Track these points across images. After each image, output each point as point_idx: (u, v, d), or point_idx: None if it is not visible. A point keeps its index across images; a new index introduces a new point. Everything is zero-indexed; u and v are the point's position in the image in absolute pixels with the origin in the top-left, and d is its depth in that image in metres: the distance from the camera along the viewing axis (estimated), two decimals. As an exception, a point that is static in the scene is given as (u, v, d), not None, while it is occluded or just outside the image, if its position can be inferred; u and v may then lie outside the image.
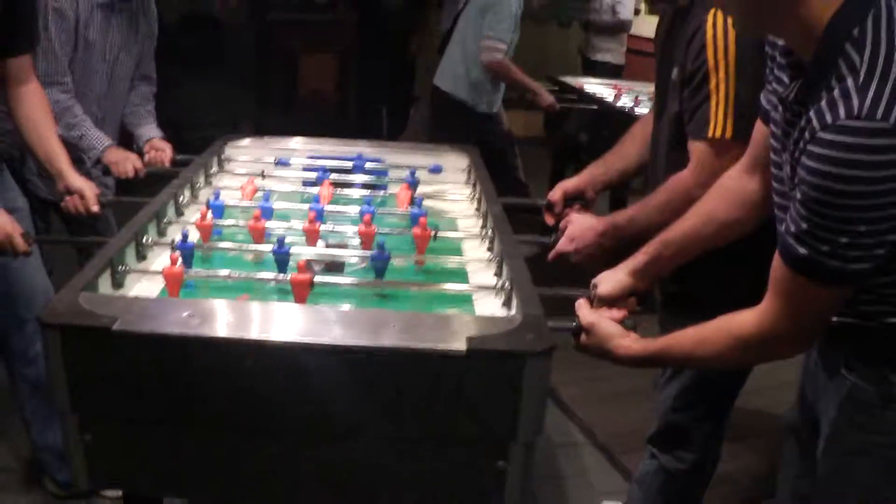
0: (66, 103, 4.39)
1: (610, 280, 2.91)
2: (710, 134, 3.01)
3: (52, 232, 4.81)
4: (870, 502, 2.38)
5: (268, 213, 3.51)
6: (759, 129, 2.62)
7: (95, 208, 3.94)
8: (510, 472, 2.43)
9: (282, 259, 3.06)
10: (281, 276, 3.00)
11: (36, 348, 3.90)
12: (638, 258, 2.92)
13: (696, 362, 2.62)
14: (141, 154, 4.76)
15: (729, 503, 4.50)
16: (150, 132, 4.91)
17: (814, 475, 2.55)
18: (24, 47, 3.85)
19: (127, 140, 4.93)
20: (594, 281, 2.93)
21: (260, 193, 3.84)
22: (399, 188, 4.00)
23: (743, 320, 2.32)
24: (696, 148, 3.08)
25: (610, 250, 3.34)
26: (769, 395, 4.99)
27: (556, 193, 3.89)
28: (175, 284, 2.90)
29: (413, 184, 4.11)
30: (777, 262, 2.19)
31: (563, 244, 3.44)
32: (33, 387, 4.03)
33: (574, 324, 2.71)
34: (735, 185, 2.76)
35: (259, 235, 3.33)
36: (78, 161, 4.28)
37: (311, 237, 3.33)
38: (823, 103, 1.99)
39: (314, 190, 3.98)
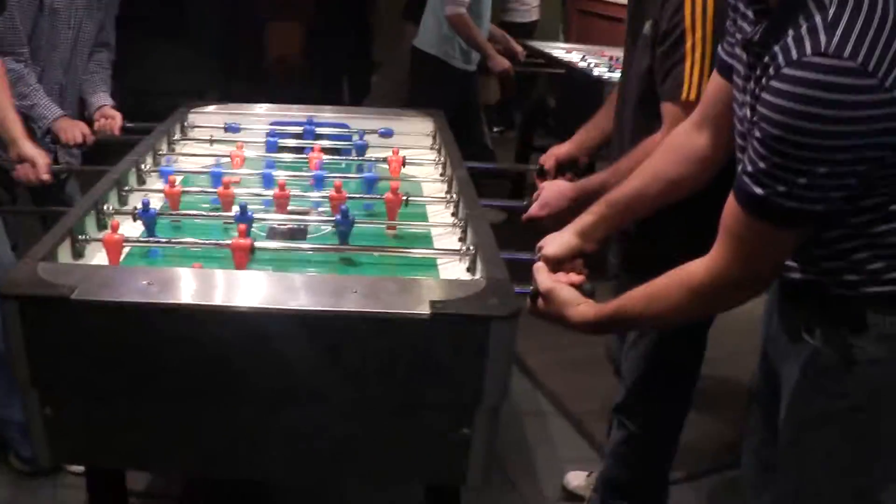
0: (19, 73, 4.33)
1: (556, 241, 2.87)
2: (683, 96, 2.98)
3: (18, 204, 4.76)
4: (833, 467, 2.36)
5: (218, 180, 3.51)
6: (713, 82, 2.59)
7: (46, 177, 3.91)
8: (475, 438, 2.43)
9: (245, 226, 3.02)
10: (223, 241, 2.96)
11: None
12: (584, 218, 2.89)
13: (650, 320, 2.57)
14: (91, 122, 4.73)
15: (695, 471, 4.49)
16: (101, 100, 4.86)
17: (777, 442, 2.54)
18: None
19: (84, 107, 4.89)
20: (540, 243, 2.90)
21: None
22: (388, 153, 3.97)
23: (694, 269, 2.29)
24: (669, 109, 3.05)
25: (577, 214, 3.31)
26: (735, 363, 4.98)
27: (548, 160, 3.88)
28: (114, 252, 2.87)
29: (361, 147, 4.11)
30: (730, 204, 2.15)
31: (534, 209, 3.41)
32: (-5, 361, 3.99)
33: (531, 288, 2.68)
34: (682, 142, 2.72)
35: (228, 203, 3.31)
36: (30, 133, 4.24)
37: (281, 204, 3.30)
38: (790, 39, 1.95)
39: (278, 156, 3.98)
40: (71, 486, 4.06)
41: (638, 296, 2.44)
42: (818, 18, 1.92)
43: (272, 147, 4.11)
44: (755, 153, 2.03)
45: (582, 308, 2.55)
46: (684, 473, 4.38)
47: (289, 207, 3.33)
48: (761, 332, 2.70)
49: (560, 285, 2.63)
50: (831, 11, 1.91)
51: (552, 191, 3.42)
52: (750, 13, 2.19)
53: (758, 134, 2.01)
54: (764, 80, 2.02)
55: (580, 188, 3.37)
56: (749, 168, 2.05)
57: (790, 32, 1.96)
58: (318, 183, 3.55)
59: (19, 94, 4.30)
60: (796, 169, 1.96)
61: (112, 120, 4.73)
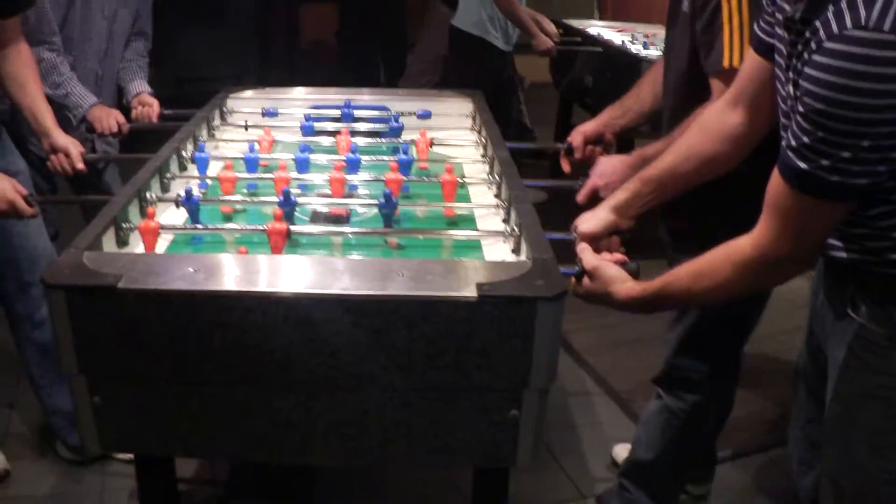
0: (52, 61, 4.34)
1: (591, 218, 2.88)
2: (725, 63, 2.96)
3: (58, 192, 4.77)
4: (878, 445, 2.34)
5: (303, 166, 3.54)
6: (748, 60, 2.58)
7: (80, 165, 3.94)
8: (523, 419, 2.43)
9: (288, 211, 3.03)
10: (256, 227, 2.95)
11: (42, 312, 3.87)
12: (619, 195, 2.90)
13: (697, 297, 2.56)
14: (129, 109, 4.74)
15: (742, 448, 4.48)
16: (138, 87, 4.87)
17: (823, 421, 2.52)
18: (21, 6, 3.81)
19: (122, 96, 4.90)
20: (575, 222, 2.89)
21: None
22: (417, 136, 3.96)
23: (740, 245, 2.29)
24: (716, 82, 3.03)
25: None
26: (782, 341, 4.98)
27: (576, 137, 3.86)
28: (151, 240, 2.88)
29: (397, 129, 4.11)
30: (775, 179, 2.15)
31: (593, 181, 3.39)
32: (42, 351, 4.00)
33: (577, 268, 2.67)
34: (716, 120, 2.72)
35: (280, 188, 3.29)
36: (65, 121, 4.24)
37: (336, 188, 3.30)
38: (830, 14, 1.94)
39: (315, 139, 3.99)
40: (118, 473, 4.10)
41: (684, 272, 2.44)
42: None
43: (308, 131, 4.11)
44: (799, 128, 2.02)
45: (628, 285, 2.55)
46: (730, 452, 4.38)
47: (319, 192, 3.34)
48: (808, 310, 2.69)
49: (606, 263, 2.63)
50: None
51: (608, 161, 3.41)
52: None
53: (801, 108, 2.01)
54: (806, 55, 2.02)
55: (638, 154, 3.35)
56: (793, 143, 2.05)
57: (830, 7, 1.95)
58: (352, 166, 3.53)
59: (53, 84, 4.32)
60: (839, 143, 1.95)
61: (149, 107, 4.75)
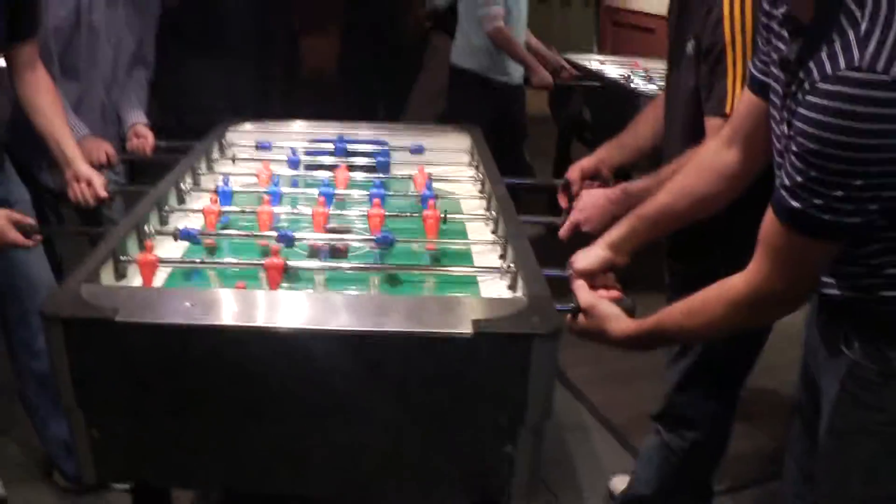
0: None
1: (587, 255, 2.89)
2: (728, 110, 2.99)
3: (66, 223, 4.78)
4: (871, 480, 2.36)
5: (276, 199, 3.54)
6: (742, 100, 2.61)
7: (104, 194, 3.91)
8: (518, 456, 2.43)
9: (287, 245, 3.06)
10: (256, 261, 2.96)
11: (41, 342, 3.85)
12: (613, 232, 2.92)
13: (690, 334, 2.59)
14: (123, 140, 4.75)
15: (738, 481, 4.49)
16: (134, 117, 4.82)
17: (817, 455, 2.54)
18: (32, 31, 3.84)
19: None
20: (571, 258, 2.91)
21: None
22: (415, 171, 3.97)
23: (732, 284, 2.31)
24: (713, 124, 3.05)
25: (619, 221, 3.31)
26: (779, 375, 4.97)
27: (573, 173, 3.86)
28: (149, 273, 2.89)
29: (385, 164, 4.13)
30: (768, 218, 2.17)
31: (574, 215, 3.40)
32: (39, 381, 4.01)
33: (572, 305, 2.68)
34: (711, 159, 2.74)
35: (265, 222, 3.32)
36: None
37: (318, 222, 3.30)
38: (824, 55, 1.97)
39: (322, 174, 3.99)
40: (115, 503, 4.08)
41: (677, 310, 2.46)
42: (851, 34, 1.94)
43: (294, 165, 4.13)
44: (792, 167, 2.04)
45: (623, 323, 2.57)
46: (726, 485, 4.38)
47: (329, 226, 3.34)
48: (802, 345, 2.70)
49: (601, 300, 2.65)
50: (863, 27, 1.93)
51: (589, 198, 3.42)
52: (785, 33, 2.21)
53: (794, 148, 2.03)
54: (800, 96, 2.05)
55: (621, 188, 3.37)
56: (786, 182, 2.07)
57: (824, 48, 1.98)
58: (329, 200, 3.54)
59: None
60: (832, 182, 1.98)
61: (144, 139, 4.73)
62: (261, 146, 4.36)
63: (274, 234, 3.14)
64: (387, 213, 3.37)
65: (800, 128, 2.00)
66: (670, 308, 2.49)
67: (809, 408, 2.64)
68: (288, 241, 3.06)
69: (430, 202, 3.36)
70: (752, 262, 2.25)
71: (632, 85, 6.82)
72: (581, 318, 2.65)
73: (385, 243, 3.06)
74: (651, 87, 6.52)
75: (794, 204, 2.05)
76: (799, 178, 2.02)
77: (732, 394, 3.56)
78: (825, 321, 2.46)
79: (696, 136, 3.15)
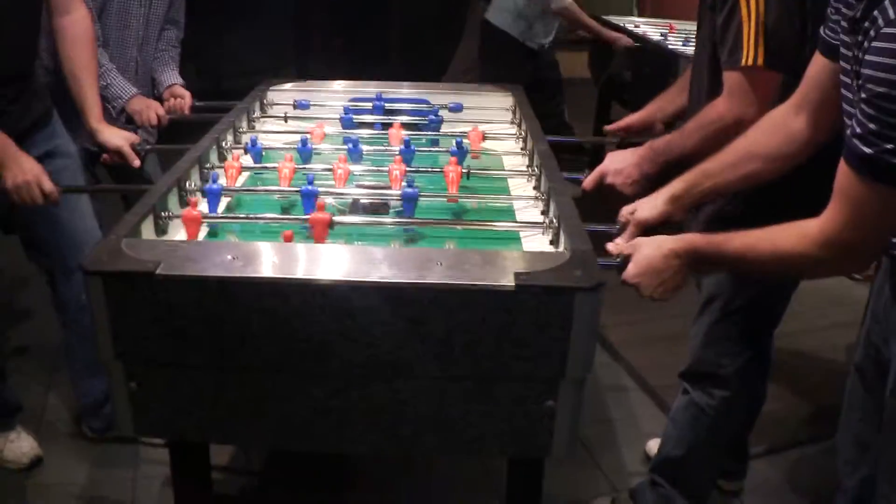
0: None
1: (648, 205, 2.88)
2: (742, 62, 2.99)
3: (101, 183, 4.79)
4: None
5: (307, 157, 3.54)
6: (814, 64, 2.57)
7: (136, 163, 3.94)
8: (560, 410, 2.42)
9: (309, 200, 3.06)
10: (302, 216, 2.96)
11: (85, 298, 3.90)
12: (675, 185, 2.89)
13: (748, 264, 2.44)
14: (161, 100, 4.76)
15: (776, 444, 4.47)
16: (170, 78, 4.87)
17: (877, 418, 2.51)
18: None
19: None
20: (626, 210, 2.89)
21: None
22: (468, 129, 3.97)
23: (806, 226, 2.26)
24: (729, 76, 3.06)
25: (649, 176, 3.31)
26: (818, 337, 4.95)
27: (620, 125, 3.93)
28: (193, 228, 2.90)
29: (437, 122, 4.12)
30: (841, 167, 2.14)
31: (601, 167, 3.41)
32: (82, 335, 4.05)
33: (618, 259, 2.65)
34: (781, 122, 2.70)
35: (288, 179, 3.33)
36: (106, 113, 4.26)
37: (340, 178, 3.30)
38: (887, 2, 1.96)
39: (358, 132, 3.97)
40: (152, 460, 4.13)
41: (740, 236, 2.43)
42: None
43: (348, 123, 4.10)
44: (863, 115, 2.03)
45: (670, 241, 2.55)
46: (763, 447, 4.37)
47: (370, 182, 3.34)
48: (869, 310, 2.68)
49: (640, 238, 2.64)
50: None
51: (619, 155, 3.42)
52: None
53: (864, 95, 2.02)
54: (867, 44, 2.03)
55: (647, 145, 3.37)
56: (858, 130, 2.05)
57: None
58: (407, 159, 3.52)
59: None
60: None
61: (181, 99, 4.77)
62: (299, 105, 4.35)
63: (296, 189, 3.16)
64: (407, 170, 3.37)
65: (868, 74, 2.00)
66: (732, 233, 2.45)
67: (873, 373, 2.62)
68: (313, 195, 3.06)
69: (452, 159, 3.36)
70: (827, 210, 2.22)
71: (670, 46, 6.79)
72: (630, 266, 2.62)
73: (410, 197, 3.05)
74: (689, 49, 6.48)
75: (866, 150, 2.03)
76: (870, 125, 2.01)
77: (759, 349, 3.53)
78: (895, 284, 2.44)
79: (716, 79, 3.16)
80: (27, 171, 3.37)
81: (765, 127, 2.75)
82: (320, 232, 2.82)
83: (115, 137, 3.89)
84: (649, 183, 3.31)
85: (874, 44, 1.98)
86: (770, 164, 2.73)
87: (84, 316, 3.86)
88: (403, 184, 3.14)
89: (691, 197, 2.87)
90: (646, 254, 2.55)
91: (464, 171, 3.30)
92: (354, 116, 4.16)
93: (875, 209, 2.12)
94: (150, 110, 4.53)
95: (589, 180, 3.41)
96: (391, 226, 3.03)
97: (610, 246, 2.70)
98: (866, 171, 2.06)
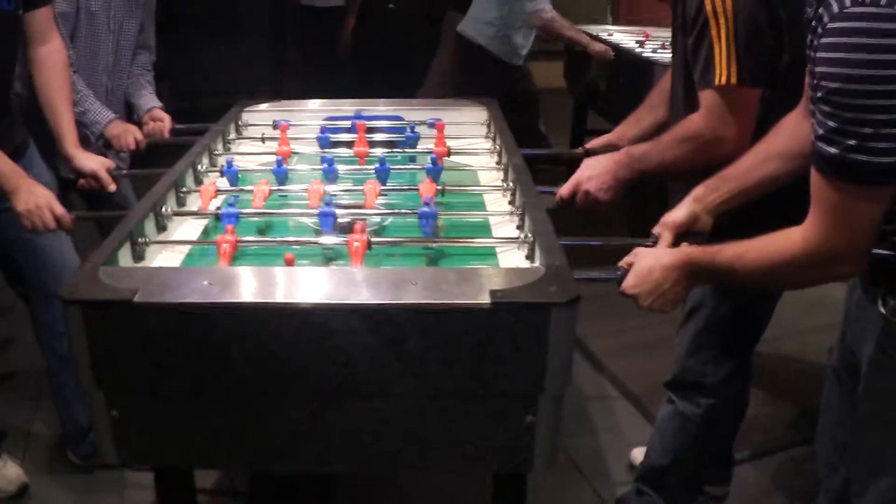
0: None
1: (675, 210, 2.89)
2: (717, 82, 3.00)
3: (74, 209, 4.79)
4: None
5: (282, 178, 3.54)
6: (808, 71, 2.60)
7: (112, 188, 3.96)
8: (539, 425, 2.43)
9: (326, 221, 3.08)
10: (336, 239, 2.98)
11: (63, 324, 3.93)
12: (699, 190, 2.91)
13: (740, 276, 2.44)
14: (140, 125, 4.76)
15: (760, 448, 4.49)
16: (148, 102, 4.87)
17: (853, 422, 2.53)
18: None
19: (130, 110, 4.90)
20: (661, 226, 2.90)
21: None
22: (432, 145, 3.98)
23: (790, 236, 2.28)
24: (704, 96, 3.08)
25: (625, 183, 3.34)
26: (800, 340, 4.98)
27: (592, 144, 3.91)
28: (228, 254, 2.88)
29: (413, 139, 4.11)
30: (812, 172, 2.17)
31: (578, 175, 3.44)
32: (62, 362, 4.07)
33: (619, 272, 2.68)
34: (794, 123, 2.71)
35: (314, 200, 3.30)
36: (83, 139, 4.26)
37: (314, 199, 3.29)
38: None
39: (334, 151, 4.00)
40: (137, 485, 4.14)
41: (732, 247, 2.45)
42: None
43: (325, 143, 4.10)
44: (822, 114, 2.06)
45: (668, 254, 2.60)
46: (748, 452, 4.39)
47: (347, 202, 3.34)
48: (842, 310, 2.69)
49: (639, 248, 2.69)
50: None
51: (596, 161, 3.44)
52: None
53: (819, 94, 2.05)
54: (815, 42, 2.07)
55: (625, 152, 3.39)
56: (819, 131, 2.08)
57: None
58: (382, 178, 3.54)
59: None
60: (859, 119, 1.98)
61: (161, 123, 4.75)
62: (278, 124, 4.35)
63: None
64: (382, 188, 3.40)
65: (820, 72, 2.03)
66: (725, 244, 2.48)
67: (847, 375, 2.64)
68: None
69: (428, 179, 3.40)
70: (808, 217, 2.24)
71: (644, 54, 6.81)
72: (629, 276, 2.64)
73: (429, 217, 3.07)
74: (664, 56, 6.50)
75: (831, 150, 2.05)
76: (829, 122, 2.03)
77: (744, 357, 3.56)
78: (866, 284, 2.45)
79: (692, 104, 3.17)
80: (39, 196, 3.41)
81: (780, 130, 2.76)
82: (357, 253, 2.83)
83: (91, 162, 3.90)
84: (624, 189, 3.34)
85: (822, 40, 2.02)
86: (788, 163, 2.72)
87: (63, 344, 3.89)
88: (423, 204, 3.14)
89: (713, 200, 2.88)
90: (644, 265, 2.59)
91: (438, 188, 3.32)
92: (331, 136, 4.16)
93: (850, 210, 2.13)
94: (129, 134, 4.53)
95: (565, 188, 3.43)
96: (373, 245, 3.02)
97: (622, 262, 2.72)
98: (833, 172, 2.08)
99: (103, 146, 4.52)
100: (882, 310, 2.32)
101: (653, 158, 3.23)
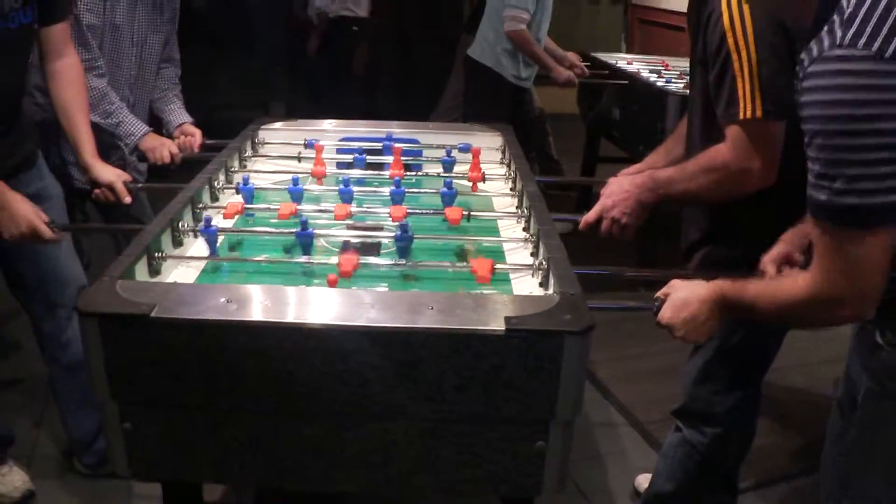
0: (102, 90, 4.36)
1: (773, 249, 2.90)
2: (741, 116, 2.99)
3: (90, 221, 4.80)
4: (891, 474, 2.37)
5: (297, 197, 3.56)
6: None
7: (128, 200, 3.94)
8: (549, 451, 2.45)
9: (304, 242, 3.11)
10: (324, 259, 3.01)
11: (68, 334, 3.97)
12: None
13: (761, 313, 2.48)
14: (171, 139, 4.75)
15: (765, 478, 4.49)
16: (179, 117, 4.88)
17: (843, 442, 2.55)
18: (61, 14, 3.82)
19: (155, 124, 4.87)
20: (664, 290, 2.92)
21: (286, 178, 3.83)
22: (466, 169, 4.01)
23: (798, 282, 2.28)
24: (730, 129, 3.06)
25: (647, 206, 3.33)
26: (808, 372, 4.98)
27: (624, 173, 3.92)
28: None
29: (450, 163, 4.12)
30: (810, 223, 2.17)
31: (601, 200, 3.40)
32: (66, 371, 4.08)
33: (656, 303, 2.68)
34: None
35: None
36: (113, 147, 4.28)
37: (340, 219, 3.34)
38: (812, 44, 2.02)
39: (349, 172, 4.02)
40: (144, 496, 4.12)
41: (753, 285, 2.45)
42: (836, 21, 1.99)
43: (360, 163, 4.15)
44: (809, 160, 2.07)
45: (703, 288, 2.57)
46: (753, 482, 4.38)
47: (362, 223, 3.37)
48: (840, 344, 2.71)
49: (674, 281, 2.68)
50: (847, 12, 1.98)
51: (616, 184, 3.41)
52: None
53: (806, 139, 2.06)
54: (798, 86, 2.08)
55: (648, 174, 3.37)
56: (811, 179, 2.08)
57: (816, 39, 2.03)
58: (397, 199, 3.57)
59: (104, 112, 4.37)
60: (844, 160, 1.99)
61: (192, 138, 4.76)
62: (309, 144, 4.37)
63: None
64: (409, 211, 3.42)
65: (804, 115, 2.04)
66: (752, 280, 2.49)
67: (848, 409, 2.65)
68: (306, 239, 3.13)
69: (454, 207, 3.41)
70: (812, 263, 2.24)
71: (658, 83, 6.82)
72: (665, 308, 2.65)
73: (403, 240, 3.10)
74: (678, 86, 6.51)
75: (821, 196, 2.06)
76: (817, 168, 2.04)
77: (752, 388, 3.55)
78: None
79: (710, 131, 3.17)
80: (21, 222, 3.39)
81: None
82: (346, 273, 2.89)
83: (108, 173, 3.90)
84: (646, 213, 3.34)
85: (804, 84, 2.03)
86: None
87: (66, 353, 3.91)
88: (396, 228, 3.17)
89: (803, 235, 2.87)
90: (681, 297, 2.60)
91: (464, 213, 3.35)
92: (368, 157, 4.21)
93: (848, 255, 2.13)
94: (164, 148, 4.55)
95: (590, 215, 3.41)
96: (384, 267, 3.05)
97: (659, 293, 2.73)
98: (826, 217, 2.09)
99: (138, 159, 4.54)
100: (879, 340, 2.34)
101: (678, 185, 3.22)
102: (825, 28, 2.01)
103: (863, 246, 2.11)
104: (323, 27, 9.25)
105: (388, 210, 3.44)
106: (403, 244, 3.10)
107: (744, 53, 2.95)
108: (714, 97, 3.09)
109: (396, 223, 3.28)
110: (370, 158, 4.23)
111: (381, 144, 4.38)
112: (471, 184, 3.92)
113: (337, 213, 3.36)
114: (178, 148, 4.67)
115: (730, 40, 2.97)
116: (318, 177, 3.84)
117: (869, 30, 1.93)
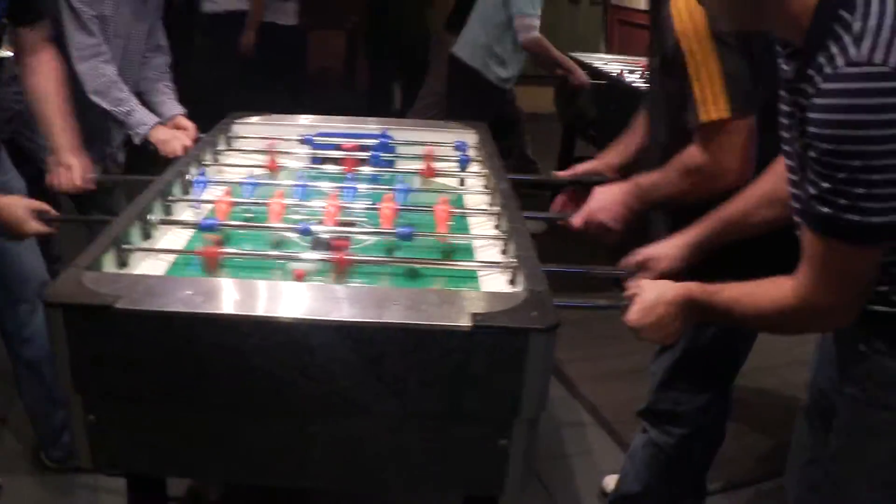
0: (112, 78, 4.35)
1: (667, 255, 2.93)
2: (703, 118, 2.99)
3: (62, 212, 4.76)
4: (878, 483, 2.37)
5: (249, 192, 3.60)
6: None
7: (79, 182, 3.89)
8: (512, 449, 2.45)
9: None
10: (324, 255, 3.01)
11: (30, 329, 3.96)
12: (692, 231, 2.93)
13: (737, 318, 2.45)
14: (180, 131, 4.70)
15: (734, 481, 4.49)
16: (172, 109, 4.81)
17: (824, 460, 2.54)
18: (37, 17, 3.82)
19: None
20: (640, 258, 2.93)
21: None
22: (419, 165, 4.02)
23: (783, 288, 2.28)
24: (700, 130, 3.05)
25: (634, 212, 3.35)
26: (778, 374, 4.99)
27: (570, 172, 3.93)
28: (212, 264, 2.93)
29: (465, 161, 4.14)
30: (804, 230, 2.18)
31: (589, 206, 3.42)
32: (29, 366, 4.06)
33: (623, 303, 2.66)
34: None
35: (276, 215, 3.33)
36: (98, 132, 4.26)
37: (329, 216, 3.32)
38: (822, 60, 2.00)
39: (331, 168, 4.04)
40: (110, 490, 4.11)
41: (729, 289, 2.45)
42: (846, 37, 1.97)
43: (376, 161, 4.17)
44: (815, 174, 2.05)
45: (672, 288, 2.57)
46: (721, 484, 4.39)
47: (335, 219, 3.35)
48: (816, 349, 2.71)
49: (645, 280, 2.69)
50: (856, 27, 1.96)
51: (605, 192, 3.42)
52: (784, 52, 2.23)
53: (813, 155, 2.04)
54: (806, 103, 2.06)
55: (633, 183, 3.38)
56: (812, 191, 2.08)
57: (822, 56, 2.01)
58: (350, 195, 3.59)
59: (115, 100, 4.36)
60: (851, 179, 1.98)
61: (186, 131, 4.68)
62: (306, 140, 4.35)
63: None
64: (399, 207, 3.42)
65: (813, 132, 2.02)
66: (723, 285, 2.48)
67: (817, 419, 2.65)
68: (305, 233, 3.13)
69: (443, 198, 3.42)
70: (798, 270, 2.25)
71: (634, 83, 6.84)
72: (633, 306, 2.63)
73: (404, 237, 3.12)
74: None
75: (824, 210, 2.06)
76: (823, 184, 2.03)
77: (721, 390, 3.56)
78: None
79: (675, 135, 3.18)
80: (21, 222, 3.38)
81: (775, 173, 2.76)
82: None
83: (73, 157, 3.89)
84: (634, 219, 3.35)
85: (815, 101, 2.01)
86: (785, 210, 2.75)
87: (29, 348, 3.89)
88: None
89: (709, 242, 2.92)
90: (649, 298, 2.58)
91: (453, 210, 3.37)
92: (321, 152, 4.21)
93: (841, 268, 2.15)
94: (177, 141, 4.47)
95: (577, 219, 3.43)
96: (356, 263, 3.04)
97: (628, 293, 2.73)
98: (825, 231, 2.09)
99: (152, 151, 4.49)
100: (866, 352, 2.34)
101: (660, 190, 3.23)
102: (833, 45, 1.99)
103: (857, 261, 2.13)
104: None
105: (362, 206, 3.45)
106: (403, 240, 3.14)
107: (699, 56, 2.94)
108: (679, 99, 3.08)
109: (387, 219, 3.30)
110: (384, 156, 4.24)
111: (356, 141, 4.37)
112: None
113: (272, 210, 3.34)
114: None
115: (683, 43, 2.97)
116: (273, 170, 3.84)
117: (883, 44, 1.92)
